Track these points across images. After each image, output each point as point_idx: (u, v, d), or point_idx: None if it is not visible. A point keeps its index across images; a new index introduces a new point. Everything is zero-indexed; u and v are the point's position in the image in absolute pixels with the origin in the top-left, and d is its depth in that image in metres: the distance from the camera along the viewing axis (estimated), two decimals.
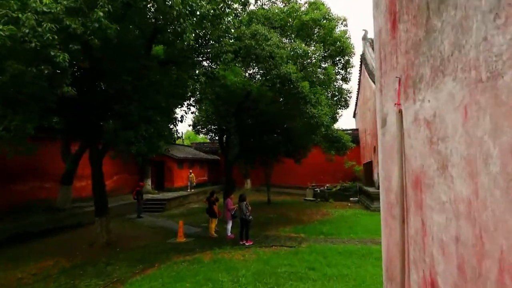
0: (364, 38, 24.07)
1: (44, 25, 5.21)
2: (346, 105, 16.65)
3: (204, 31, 8.57)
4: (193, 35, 8.11)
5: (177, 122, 10.30)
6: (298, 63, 11.73)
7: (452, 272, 1.21)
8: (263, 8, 13.97)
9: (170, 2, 7.13)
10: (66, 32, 5.57)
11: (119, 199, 20.19)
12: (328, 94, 14.43)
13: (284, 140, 18.95)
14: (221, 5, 8.48)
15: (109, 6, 6.22)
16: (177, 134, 12.27)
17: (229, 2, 9.01)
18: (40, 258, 9.79)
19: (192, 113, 11.23)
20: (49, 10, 5.56)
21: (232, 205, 12.52)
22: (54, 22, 5.33)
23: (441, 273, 1.33)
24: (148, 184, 24.28)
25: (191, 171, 25.92)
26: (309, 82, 11.15)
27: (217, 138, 19.14)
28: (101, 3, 6.05)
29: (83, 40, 5.91)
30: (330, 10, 14.33)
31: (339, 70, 15.59)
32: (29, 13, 5.38)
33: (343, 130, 19.05)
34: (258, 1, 14.98)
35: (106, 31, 6.03)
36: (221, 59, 9.13)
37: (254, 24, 10.32)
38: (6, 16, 5.12)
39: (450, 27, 1.19)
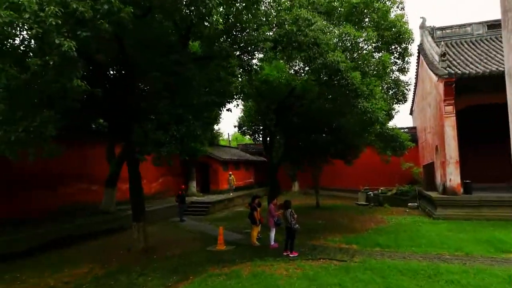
0: (422, 26, 21.75)
1: (47, 9, 4.63)
2: (404, 99, 14.79)
3: (236, 15, 7.63)
4: (223, 20, 7.21)
5: (213, 121, 9.46)
6: (347, 52, 10.38)
7: None
8: None
9: None
10: (74, 17, 4.96)
11: (164, 202, 20.08)
12: (383, 86, 12.79)
13: (333, 140, 17.51)
14: None
15: None
16: (212, 134, 11.51)
17: None
18: (76, 265, 9.50)
19: (228, 110, 10.28)
20: None
21: (276, 211, 11.48)
22: (58, 6, 4.74)
23: None
24: (193, 186, 24.04)
25: (230, 173, 25.20)
26: (360, 73, 9.76)
27: (261, 138, 18.19)
28: None
29: (94, 27, 5.27)
30: None
31: (395, 60, 13.85)
32: None
33: (400, 129, 17.17)
34: None
35: (119, 14, 5.34)
36: (259, 48, 8.16)
37: (295, 8, 9.16)
38: (7, 2, 4.61)
39: None
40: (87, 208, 15.48)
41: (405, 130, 24.84)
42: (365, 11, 11.66)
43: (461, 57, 18.39)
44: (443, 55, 16.45)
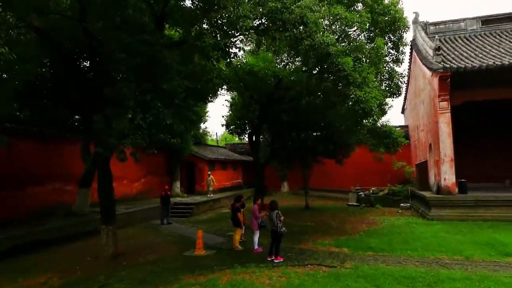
0: (415, 21, 21.11)
1: None
2: (398, 92, 13.99)
3: None
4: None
5: (187, 112, 8.46)
6: (338, 35, 9.54)
7: None
8: None
9: None
10: None
11: (146, 203, 19.00)
12: (377, 77, 11.95)
13: (323, 138, 16.68)
14: None
15: None
16: (199, 133, 10.55)
17: None
18: (33, 274, 8.43)
19: (206, 101, 9.32)
20: None
21: (260, 212, 10.54)
22: None
23: None
24: (177, 186, 22.98)
25: (209, 173, 23.57)
26: (352, 59, 8.91)
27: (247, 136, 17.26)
28: None
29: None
30: None
31: (389, 50, 13.07)
32: None
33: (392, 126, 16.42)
34: None
35: None
36: (238, 27, 7.23)
37: None
38: None
39: None
40: (60, 210, 14.36)
41: (398, 128, 24.23)
42: None
43: (456, 52, 17.73)
44: (437, 49, 15.75)
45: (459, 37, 20.24)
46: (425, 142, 18.86)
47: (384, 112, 14.33)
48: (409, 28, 12.31)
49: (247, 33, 7.84)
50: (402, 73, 13.94)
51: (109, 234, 9.57)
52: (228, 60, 7.96)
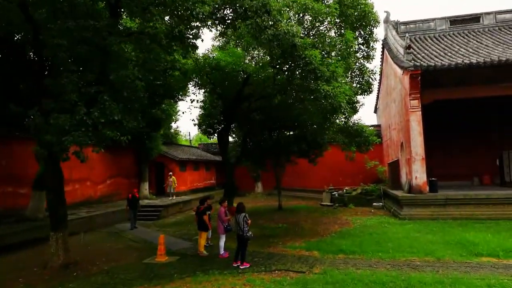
0: (386, 21, 21.14)
1: None
2: (369, 89, 13.77)
3: None
4: None
5: (141, 105, 7.70)
6: (307, 27, 9.09)
7: None
8: None
9: None
10: None
11: (111, 206, 17.98)
12: (348, 73, 11.59)
13: (297, 138, 16.29)
14: None
15: None
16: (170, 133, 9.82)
17: None
18: None
19: (159, 96, 8.63)
20: None
21: (226, 215, 9.94)
22: None
23: None
24: (146, 188, 21.99)
25: (171, 173, 22.16)
26: (321, 52, 8.48)
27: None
28: None
29: None
30: None
31: (360, 45, 12.79)
32: None
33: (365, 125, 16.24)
34: None
35: None
36: (194, 13, 6.59)
37: None
38: None
39: None
40: (12, 214, 13.23)
41: (372, 127, 24.29)
42: None
43: (426, 51, 17.81)
44: (408, 47, 15.69)
45: (429, 36, 20.42)
46: (397, 141, 18.86)
47: (355, 110, 14.08)
48: (379, 23, 12.09)
49: (205, 20, 7.20)
50: (373, 70, 13.74)
51: (59, 241, 8.70)
52: (188, 51, 7.32)
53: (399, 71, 16.40)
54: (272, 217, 17.06)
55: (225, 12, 7.39)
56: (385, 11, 21.16)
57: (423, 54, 17.17)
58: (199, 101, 16.94)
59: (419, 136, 15.07)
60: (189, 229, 14.31)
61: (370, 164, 22.46)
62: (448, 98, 15.99)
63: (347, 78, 12.81)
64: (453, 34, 20.25)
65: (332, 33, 12.57)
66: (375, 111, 30.66)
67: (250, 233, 8.58)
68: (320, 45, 9.12)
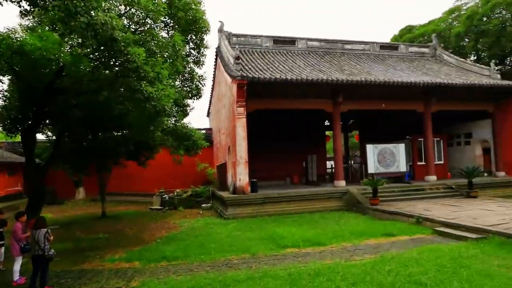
0: (220, 30, 22.24)
1: None
2: (199, 94, 14.06)
3: None
4: None
5: None
6: (136, 21, 8.42)
7: None
8: None
9: None
10: None
11: None
12: (176, 76, 11.42)
13: (124, 139, 15.07)
14: None
15: None
16: None
17: None
18: None
19: None
20: None
21: (25, 232, 8.20)
22: None
23: None
24: None
25: None
26: (146, 52, 7.99)
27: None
28: None
29: None
30: None
31: (191, 50, 12.88)
32: None
33: (196, 129, 16.45)
34: None
35: None
36: None
37: None
38: None
39: None
40: None
41: (202, 131, 25.05)
42: None
43: (253, 64, 19.58)
44: (237, 58, 16.87)
45: (256, 51, 22.59)
46: (225, 145, 20.02)
47: (185, 114, 14.14)
48: (209, 30, 12.49)
49: None
50: (203, 75, 14.09)
51: None
52: None
53: (229, 79, 17.45)
54: (93, 226, 15.33)
55: None
56: (219, 21, 22.22)
57: (250, 66, 18.80)
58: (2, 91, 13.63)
59: (244, 141, 16.37)
60: None
61: (201, 166, 23.12)
62: (268, 108, 18.03)
63: (177, 81, 12.66)
64: (275, 52, 23.03)
65: (164, 34, 12.23)
66: (208, 115, 31.91)
67: (53, 251, 7.26)
68: (146, 44, 8.62)
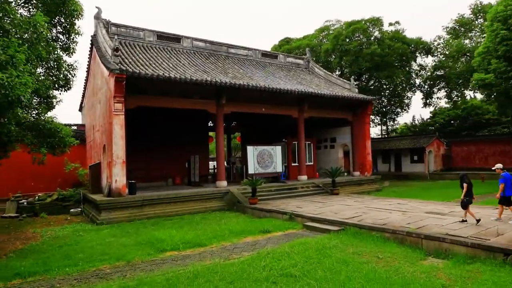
0: (98, 17, 20.24)
1: None
2: (68, 85, 12.34)
3: None
4: None
5: None
6: None
7: None
8: None
9: None
10: None
11: None
12: (38, 62, 9.74)
13: None
14: None
15: None
16: None
17: None
18: None
19: None
20: None
21: None
22: None
23: None
24: None
25: None
26: None
27: None
28: None
29: None
30: None
31: (58, 34, 11.23)
32: None
33: (66, 125, 14.42)
34: None
35: None
36: None
37: None
38: None
39: None
40: None
41: (73, 127, 22.34)
42: None
43: (133, 58, 18.41)
44: (116, 49, 15.61)
45: (138, 44, 21.31)
46: (100, 143, 18.30)
47: (50, 107, 12.31)
48: (82, 15, 11.14)
49: None
50: (73, 65, 12.48)
51: None
52: None
53: (106, 71, 16.00)
54: None
55: None
56: (96, 7, 20.19)
57: (130, 60, 17.63)
58: None
59: (121, 139, 15.23)
60: None
61: (70, 166, 20.58)
62: (150, 105, 17.21)
63: (39, 68, 10.95)
64: (159, 48, 22.13)
65: (25, 12, 10.47)
66: (81, 110, 28.69)
67: None
68: None
